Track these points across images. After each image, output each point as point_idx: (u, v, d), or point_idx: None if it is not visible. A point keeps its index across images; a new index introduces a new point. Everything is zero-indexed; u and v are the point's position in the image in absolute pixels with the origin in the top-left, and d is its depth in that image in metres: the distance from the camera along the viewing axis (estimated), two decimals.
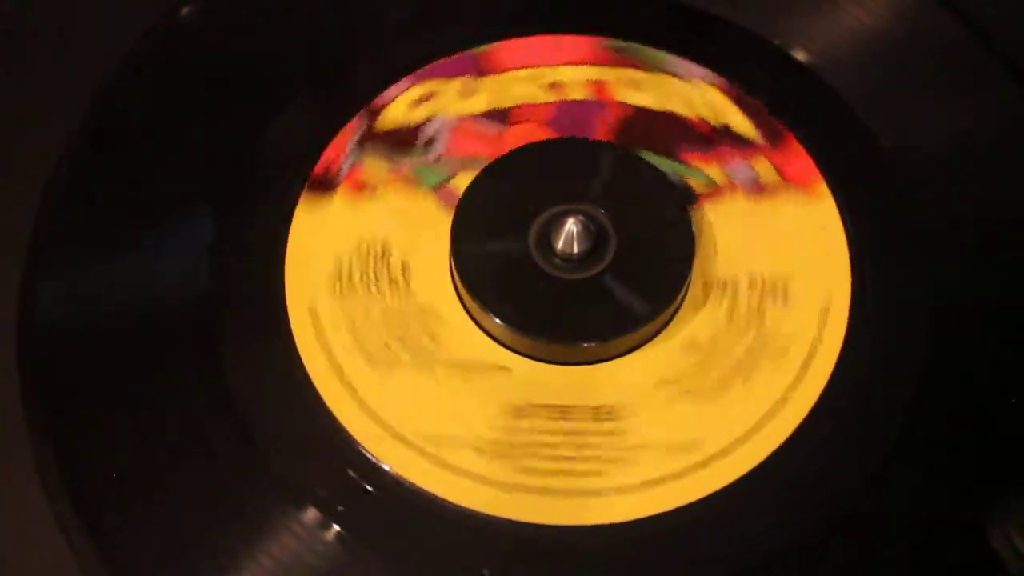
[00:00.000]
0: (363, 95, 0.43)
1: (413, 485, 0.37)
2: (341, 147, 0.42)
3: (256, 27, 0.45)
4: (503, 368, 0.39)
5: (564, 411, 0.39)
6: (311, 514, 0.37)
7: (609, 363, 0.39)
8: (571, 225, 0.40)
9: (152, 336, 0.40)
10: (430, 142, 0.42)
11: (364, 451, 0.38)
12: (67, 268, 0.41)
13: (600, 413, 0.39)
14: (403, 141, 0.42)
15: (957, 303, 0.40)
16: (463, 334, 0.40)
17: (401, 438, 0.38)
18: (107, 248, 0.41)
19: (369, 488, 0.37)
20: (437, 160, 0.42)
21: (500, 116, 0.43)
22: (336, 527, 0.37)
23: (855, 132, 0.43)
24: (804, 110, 0.43)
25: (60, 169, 0.42)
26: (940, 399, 0.39)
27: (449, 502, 0.37)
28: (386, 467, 0.38)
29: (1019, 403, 0.39)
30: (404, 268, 0.41)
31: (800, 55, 0.44)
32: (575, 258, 0.40)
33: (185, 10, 0.45)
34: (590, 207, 0.40)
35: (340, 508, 0.37)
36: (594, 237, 0.40)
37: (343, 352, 0.39)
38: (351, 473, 0.38)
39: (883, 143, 0.43)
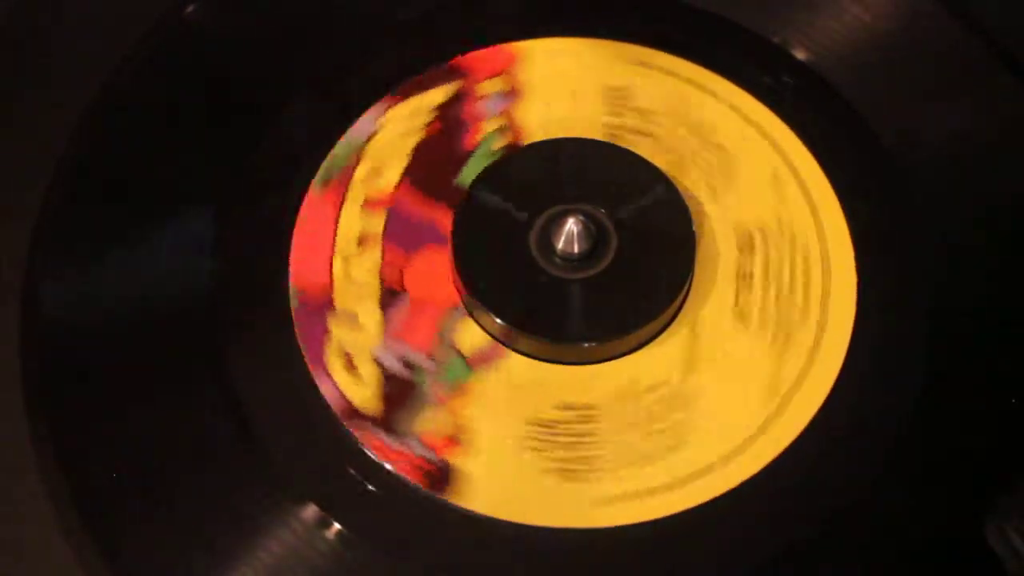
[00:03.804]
0: (361, 98, 0.44)
1: (415, 485, 0.38)
2: (388, 453, 0.38)
3: (257, 27, 0.45)
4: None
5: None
6: (312, 513, 0.37)
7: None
8: (570, 225, 0.40)
9: (153, 336, 0.40)
10: (409, 364, 0.39)
11: (365, 450, 0.38)
12: (68, 268, 0.41)
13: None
14: (402, 394, 0.39)
15: (958, 303, 0.40)
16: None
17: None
18: (108, 248, 0.41)
19: (370, 487, 0.38)
20: (434, 359, 0.39)
21: (390, 297, 0.40)
22: (337, 526, 0.37)
23: (855, 132, 0.43)
24: (804, 110, 0.43)
25: (60, 169, 0.42)
26: (940, 399, 0.39)
27: (452, 503, 0.37)
28: (387, 466, 0.38)
29: (1019, 403, 0.39)
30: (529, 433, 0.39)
31: (800, 54, 0.44)
32: (576, 257, 0.40)
33: (185, 11, 0.45)
34: (587, 207, 0.40)
35: (338, 509, 0.37)
36: (593, 234, 0.40)
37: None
38: (352, 472, 0.38)
39: (884, 143, 0.43)
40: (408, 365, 0.39)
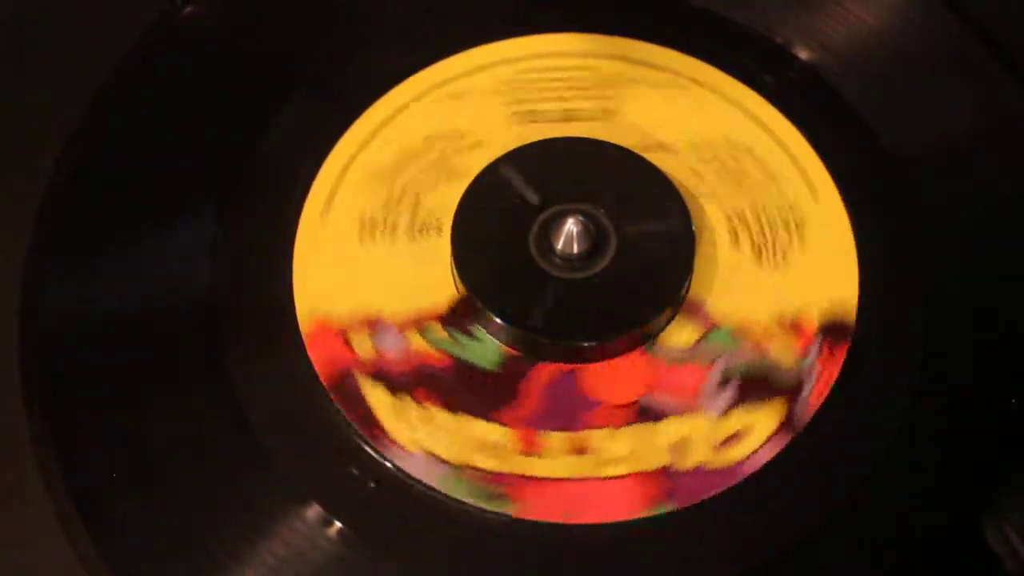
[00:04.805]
0: (362, 95, 0.43)
1: (417, 481, 0.38)
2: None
3: (256, 25, 0.45)
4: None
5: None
6: (314, 512, 0.37)
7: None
8: (570, 225, 0.40)
9: (154, 335, 0.40)
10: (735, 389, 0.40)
11: (367, 448, 0.38)
12: (68, 268, 0.41)
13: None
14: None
15: (957, 302, 0.40)
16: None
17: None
18: (108, 248, 0.41)
19: (372, 485, 0.37)
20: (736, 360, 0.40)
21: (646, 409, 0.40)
22: (338, 524, 0.37)
23: (856, 131, 0.43)
24: (805, 109, 0.43)
25: (60, 169, 0.42)
26: (939, 399, 0.39)
27: (454, 498, 0.37)
28: (388, 464, 0.38)
29: (1019, 403, 0.39)
30: None
31: (802, 53, 0.44)
32: (576, 258, 0.40)
33: (185, 10, 0.45)
34: (589, 206, 0.40)
35: (339, 508, 0.37)
36: (593, 236, 0.40)
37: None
38: (354, 471, 0.38)
39: (884, 142, 0.43)
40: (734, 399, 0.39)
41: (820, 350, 0.39)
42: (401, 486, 0.37)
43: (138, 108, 0.44)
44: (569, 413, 0.39)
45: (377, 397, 0.39)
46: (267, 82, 0.44)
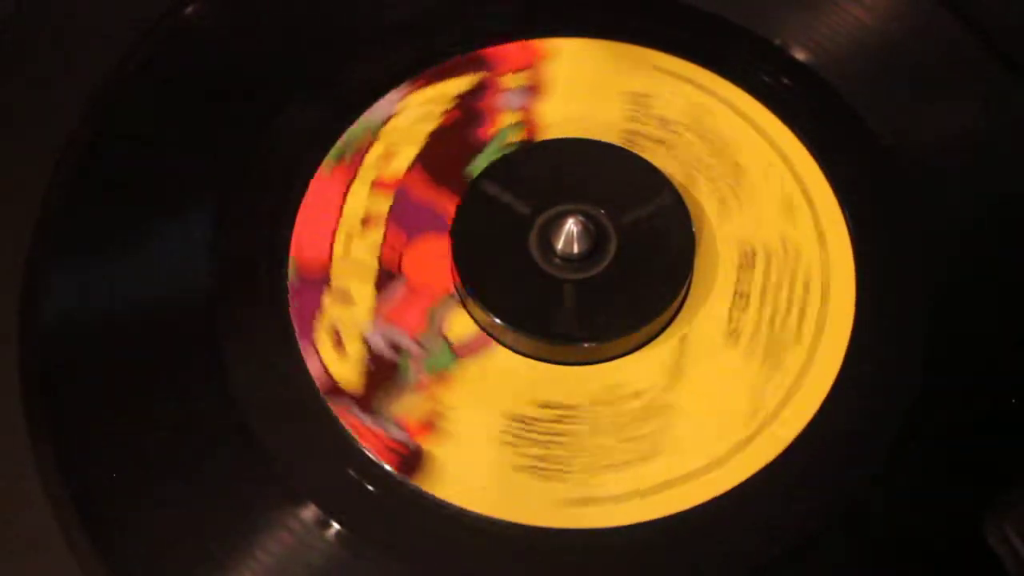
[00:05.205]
0: (362, 95, 0.44)
1: (414, 485, 0.38)
2: (363, 432, 0.38)
3: (257, 26, 0.45)
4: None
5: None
6: (311, 513, 0.37)
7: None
8: (570, 226, 0.40)
9: (153, 336, 0.40)
10: (395, 346, 0.40)
11: (365, 450, 0.38)
12: (67, 268, 0.41)
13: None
14: (384, 375, 0.39)
15: (958, 302, 0.40)
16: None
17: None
18: (108, 248, 0.41)
19: (370, 487, 0.38)
20: (420, 343, 0.40)
21: (386, 279, 0.40)
22: (336, 526, 0.37)
23: (855, 132, 0.43)
24: (804, 110, 0.43)
25: (60, 169, 0.42)
26: (939, 399, 0.39)
27: (452, 504, 0.37)
28: (387, 466, 0.38)
29: (1019, 403, 0.39)
30: None
31: (800, 54, 0.44)
32: (576, 258, 0.40)
33: (185, 10, 0.45)
34: (589, 207, 0.40)
35: (337, 509, 0.37)
36: (593, 235, 0.40)
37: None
38: (351, 472, 0.38)
39: (884, 142, 0.43)
40: (395, 347, 0.39)
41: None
42: (398, 486, 0.38)
43: (138, 108, 0.44)
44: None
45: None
46: (267, 82, 0.44)
